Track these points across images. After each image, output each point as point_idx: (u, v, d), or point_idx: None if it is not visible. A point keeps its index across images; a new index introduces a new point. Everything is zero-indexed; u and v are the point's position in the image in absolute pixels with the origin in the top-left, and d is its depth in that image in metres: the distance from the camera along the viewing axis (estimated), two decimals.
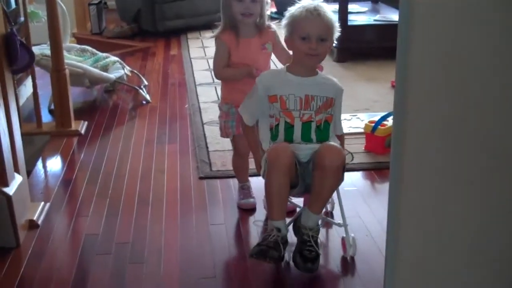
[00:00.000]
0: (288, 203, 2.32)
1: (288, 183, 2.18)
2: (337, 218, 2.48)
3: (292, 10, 2.26)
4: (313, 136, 2.28)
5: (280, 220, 2.21)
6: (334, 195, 2.36)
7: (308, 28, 2.19)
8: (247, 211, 2.71)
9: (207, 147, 3.41)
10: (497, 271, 1.47)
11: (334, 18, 2.25)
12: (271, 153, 2.19)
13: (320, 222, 2.32)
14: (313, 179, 2.21)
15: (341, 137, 2.42)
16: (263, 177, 2.29)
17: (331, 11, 2.26)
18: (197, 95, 4.38)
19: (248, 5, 2.46)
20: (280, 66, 2.55)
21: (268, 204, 2.27)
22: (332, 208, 2.64)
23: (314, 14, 2.19)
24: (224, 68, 2.55)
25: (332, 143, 2.26)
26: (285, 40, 2.32)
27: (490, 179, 1.39)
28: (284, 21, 2.28)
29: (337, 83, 2.36)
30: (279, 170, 2.14)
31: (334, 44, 2.35)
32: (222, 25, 2.56)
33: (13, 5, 4.06)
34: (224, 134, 2.68)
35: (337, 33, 2.27)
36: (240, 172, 2.80)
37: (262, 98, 2.30)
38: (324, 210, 2.52)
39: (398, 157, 1.38)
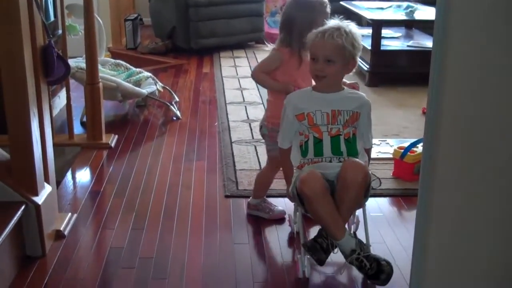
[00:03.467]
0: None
1: (332, 202, 2.24)
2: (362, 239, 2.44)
3: (311, 34, 2.34)
4: (343, 148, 2.33)
5: (344, 237, 2.25)
6: (361, 215, 2.41)
7: (314, 50, 2.30)
8: (271, 231, 2.70)
9: (234, 166, 3.42)
10: None
11: (349, 40, 2.27)
12: (305, 187, 2.23)
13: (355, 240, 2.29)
14: (336, 193, 2.26)
15: (368, 151, 2.46)
16: (288, 194, 2.43)
17: (354, 30, 2.30)
18: (227, 114, 4.41)
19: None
20: None
21: (325, 228, 2.28)
22: (356, 228, 2.62)
23: (323, 36, 2.26)
24: (263, 73, 2.63)
25: (355, 159, 2.30)
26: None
27: None
28: (307, 45, 2.37)
29: (363, 97, 2.40)
30: (319, 199, 2.22)
31: (358, 67, 2.42)
32: (284, 41, 2.59)
33: (52, 18, 4.15)
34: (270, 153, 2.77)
35: (356, 55, 2.30)
36: (263, 187, 2.86)
37: (292, 120, 2.36)
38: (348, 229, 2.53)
39: (427, 186, 1.37)
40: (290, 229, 2.70)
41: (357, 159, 2.31)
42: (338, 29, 2.28)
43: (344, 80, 2.46)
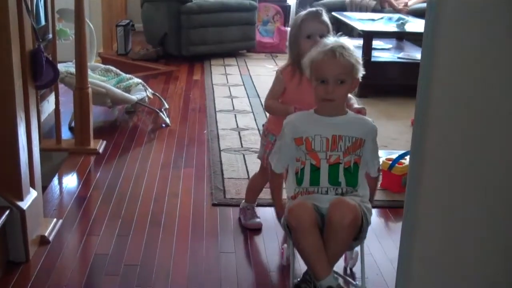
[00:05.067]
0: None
1: (319, 237, 2.05)
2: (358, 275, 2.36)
3: (311, 52, 2.17)
4: (342, 179, 2.14)
5: (327, 277, 2.06)
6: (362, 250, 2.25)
7: (324, 71, 2.10)
8: (258, 241, 2.69)
9: (222, 174, 3.41)
10: None
11: (355, 58, 2.12)
12: (291, 217, 2.07)
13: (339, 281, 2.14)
14: (324, 235, 2.07)
15: (374, 180, 2.29)
16: (283, 227, 2.21)
17: (353, 47, 2.16)
18: (216, 122, 4.40)
19: (317, 41, 2.33)
20: None
21: (308, 266, 2.13)
22: (353, 265, 2.46)
23: (331, 56, 2.08)
24: (272, 99, 2.57)
25: (344, 198, 2.09)
26: (310, 81, 2.21)
27: (508, 226, 1.37)
28: (304, 64, 2.20)
29: (369, 122, 2.22)
30: (304, 232, 2.04)
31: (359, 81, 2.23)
32: (288, 60, 2.55)
33: (43, 22, 4.13)
34: (265, 163, 2.62)
35: (360, 72, 2.14)
36: (253, 193, 2.84)
37: (289, 143, 2.19)
38: (345, 265, 2.48)
39: (413, 199, 1.36)
40: (281, 261, 2.54)
41: (347, 198, 2.09)
42: (343, 46, 2.11)
43: (352, 103, 2.37)
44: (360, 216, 2.06)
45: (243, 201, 2.89)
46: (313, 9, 2.56)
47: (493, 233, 1.36)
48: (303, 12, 2.54)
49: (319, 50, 2.13)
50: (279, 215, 2.40)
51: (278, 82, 2.56)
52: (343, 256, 2.39)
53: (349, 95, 2.34)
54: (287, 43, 2.56)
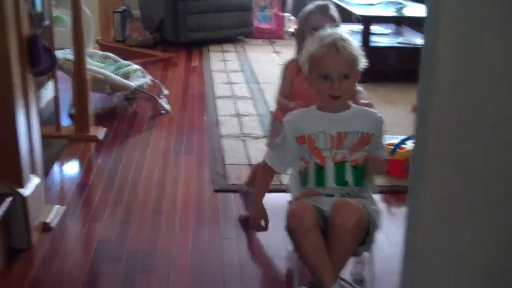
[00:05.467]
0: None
1: (320, 238, 1.92)
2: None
3: (309, 46, 2.05)
4: (349, 178, 2.03)
5: (333, 285, 1.91)
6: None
7: (328, 67, 1.98)
8: None
9: (223, 160, 3.41)
10: None
11: (356, 49, 2.01)
12: (292, 218, 1.95)
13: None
14: (327, 240, 1.94)
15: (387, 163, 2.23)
16: (287, 231, 2.02)
17: (349, 36, 2.04)
18: (215, 108, 4.39)
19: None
20: None
21: (312, 272, 1.96)
22: (361, 270, 2.28)
23: (333, 50, 1.96)
24: (284, 98, 2.53)
25: (348, 199, 1.97)
26: (306, 78, 2.10)
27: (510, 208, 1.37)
28: (302, 58, 2.08)
29: (374, 114, 2.11)
30: (305, 233, 1.91)
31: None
32: (295, 54, 2.54)
33: (39, 9, 4.10)
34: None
35: (362, 63, 2.03)
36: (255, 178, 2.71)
37: (291, 142, 2.09)
38: (352, 270, 2.27)
39: (417, 183, 1.36)
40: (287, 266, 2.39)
41: (351, 199, 1.96)
42: (343, 38, 1.99)
43: (359, 97, 2.30)
44: (366, 219, 1.94)
45: (244, 185, 2.87)
46: (321, 2, 2.54)
47: (502, 219, 1.36)
48: (311, 5, 2.53)
49: (317, 44, 2.00)
50: (252, 214, 2.31)
51: (285, 78, 2.55)
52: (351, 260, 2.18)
53: (358, 87, 2.29)
54: (294, 37, 2.57)
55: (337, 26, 2.36)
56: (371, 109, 2.16)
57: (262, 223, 2.27)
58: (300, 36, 2.52)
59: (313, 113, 2.09)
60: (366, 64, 2.04)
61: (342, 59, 1.97)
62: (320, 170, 2.04)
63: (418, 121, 1.38)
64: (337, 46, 1.96)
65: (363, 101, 2.34)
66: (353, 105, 2.11)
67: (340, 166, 2.03)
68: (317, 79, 2.01)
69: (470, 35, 1.28)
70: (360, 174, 2.05)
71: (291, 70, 2.52)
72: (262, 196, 2.28)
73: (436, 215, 1.37)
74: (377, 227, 2.04)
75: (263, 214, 2.25)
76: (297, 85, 2.49)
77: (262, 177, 2.30)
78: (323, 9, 2.51)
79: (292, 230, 1.96)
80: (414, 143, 1.42)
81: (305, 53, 2.05)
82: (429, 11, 1.32)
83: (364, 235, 1.96)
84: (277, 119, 2.59)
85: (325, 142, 2.03)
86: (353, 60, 1.99)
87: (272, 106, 2.96)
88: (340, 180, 2.04)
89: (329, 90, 1.99)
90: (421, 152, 1.36)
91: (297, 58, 2.43)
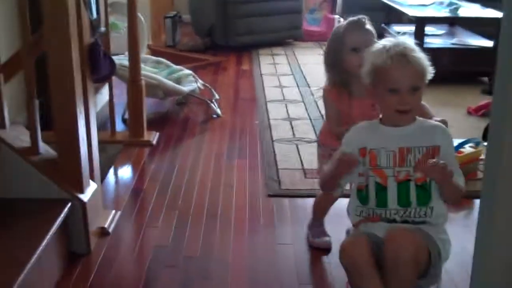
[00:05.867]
0: None
1: (374, 275, 1.79)
2: None
3: (372, 55, 1.88)
4: (413, 198, 1.85)
5: None
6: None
7: (397, 79, 1.80)
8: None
9: (276, 165, 3.39)
10: None
11: (425, 59, 1.84)
12: (344, 255, 1.84)
13: None
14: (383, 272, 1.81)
15: (462, 190, 1.87)
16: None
17: (415, 44, 1.87)
18: (267, 112, 4.38)
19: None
20: None
21: None
22: None
23: (403, 61, 1.79)
24: (339, 125, 2.24)
25: (404, 227, 1.82)
26: (368, 90, 1.93)
27: None
28: (364, 69, 1.90)
29: (439, 126, 1.91)
30: (360, 274, 1.80)
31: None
32: (329, 81, 2.31)
33: (95, 15, 4.17)
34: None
35: (430, 73, 1.86)
36: (321, 209, 2.57)
37: (353, 153, 1.90)
38: None
39: (490, 188, 1.31)
40: None
41: (408, 227, 1.82)
42: (412, 49, 1.83)
43: (428, 113, 2.08)
44: (425, 250, 1.77)
45: (311, 218, 2.62)
46: (355, 18, 2.30)
47: None
48: (344, 23, 2.31)
49: (384, 55, 1.82)
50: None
51: (331, 107, 2.32)
52: None
53: (425, 104, 2.08)
54: (324, 61, 2.32)
55: (375, 40, 2.13)
56: (437, 122, 1.94)
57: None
58: (334, 60, 2.27)
59: (375, 127, 1.92)
60: (432, 73, 1.86)
61: (413, 71, 1.80)
62: (381, 190, 1.87)
63: (492, 125, 1.33)
64: (407, 57, 1.80)
65: (436, 118, 2.07)
66: (418, 118, 1.91)
67: (403, 186, 1.85)
68: (384, 93, 1.83)
69: None
70: (426, 193, 1.85)
71: (332, 97, 2.30)
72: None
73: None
74: (443, 258, 1.86)
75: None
76: (342, 111, 2.28)
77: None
78: (360, 25, 2.26)
79: (344, 267, 1.86)
80: (487, 148, 1.37)
81: (368, 64, 1.87)
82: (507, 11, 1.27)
83: (425, 267, 1.79)
84: (323, 144, 2.43)
85: (388, 160, 1.85)
86: (423, 71, 1.83)
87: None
88: (404, 201, 1.86)
89: (398, 104, 1.82)
90: (494, 161, 1.32)
91: (332, 84, 2.29)
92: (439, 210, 1.88)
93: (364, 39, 2.17)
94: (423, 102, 2.03)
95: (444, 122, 2.01)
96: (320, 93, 2.36)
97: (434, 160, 1.79)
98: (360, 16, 2.29)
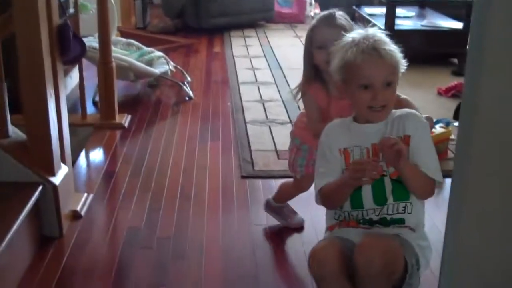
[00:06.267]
0: None
1: (345, 286, 1.69)
2: None
3: (342, 49, 1.76)
4: (389, 194, 1.75)
5: None
6: None
7: (370, 75, 1.70)
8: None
9: (249, 146, 3.40)
10: None
11: (397, 51, 1.74)
12: (313, 262, 1.71)
13: None
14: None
15: (430, 182, 1.76)
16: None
17: (385, 36, 1.76)
18: (239, 94, 4.37)
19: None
20: None
21: None
22: None
23: (374, 55, 1.69)
24: (320, 122, 2.07)
25: (377, 235, 1.72)
26: (339, 87, 1.85)
27: None
28: (333, 65, 1.79)
29: (413, 114, 1.79)
30: (327, 281, 1.69)
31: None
32: (305, 76, 2.20)
33: None
34: (292, 170, 2.40)
35: (403, 66, 1.76)
36: (289, 196, 2.55)
37: (336, 155, 1.81)
38: None
39: (462, 167, 1.33)
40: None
41: (383, 234, 1.71)
42: (384, 41, 1.72)
43: (414, 107, 1.95)
44: (401, 258, 1.65)
45: (272, 199, 2.57)
46: (326, 13, 2.17)
47: None
48: (316, 18, 2.19)
49: (354, 50, 1.71)
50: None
51: (310, 103, 2.19)
52: None
53: (407, 98, 2.02)
54: (303, 54, 2.21)
55: (345, 35, 1.89)
56: (411, 111, 1.83)
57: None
58: (305, 57, 2.18)
59: (348, 125, 1.83)
60: (405, 66, 1.76)
61: (386, 65, 1.69)
62: (356, 190, 1.75)
63: (463, 107, 1.34)
64: (378, 50, 1.69)
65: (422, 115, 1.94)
66: (391, 112, 1.79)
67: (377, 182, 1.72)
68: (355, 89, 1.73)
69: None
70: (403, 187, 1.74)
71: (317, 98, 2.17)
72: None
73: (482, 202, 1.34)
74: (422, 267, 1.75)
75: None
76: (325, 112, 2.16)
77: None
78: (329, 20, 2.12)
79: (313, 275, 1.75)
80: (458, 127, 1.38)
81: (338, 60, 1.75)
82: None
83: (400, 276, 1.66)
84: (296, 136, 2.35)
85: (361, 157, 1.76)
86: (396, 65, 1.73)
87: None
88: (380, 199, 1.76)
89: (371, 101, 1.71)
90: (466, 138, 1.33)
91: (307, 81, 2.19)
92: (418, 208, 1.79)
93: (331, 36, 1.98)
94: (406, 97, 2.02)
95: (429, 119, 1.94)
96: (299, 94, 2.23)
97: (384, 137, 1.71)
98: (332, 11, 2.16)
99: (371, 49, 1.69)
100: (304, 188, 2.44)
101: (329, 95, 2.14)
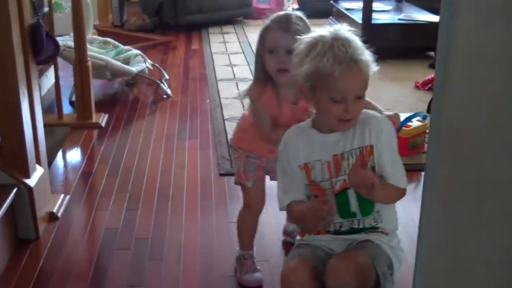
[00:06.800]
0: None
1: None
2: None
3: (313, 52, 1.59)
4: (355, 207, 1.68)
5: None
6: None
7: (344, 89, 1.58)
8: (267, 211, 2.62)
9: (228, 144, 3.38)
10: None
11: (371, 59, 1.61)
12: (283, 284, 1.65)
13: None
14: None
15: (401, 191, 1.73)
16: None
17: (354, 36, 1.62)
18: (218, 91, 4.35)
19: (282, 58, 1.87)
20: None
21: None
22: None
23: (354, 70, 1.56)
24: (273, 130, 1.94)
25: (349, 254, 1.65)
26: (303, 92, 1.67)
27: None
28: (302, 68, 1.62)
29: (377, 119, 1.68)
30: None
31: None
32: (256, 79, 2.00)
33: None
34: (243, 178, 2.13)
35: (373, 71, 1.63)
36: (246, 234, 2.25)
37: (296, 171, 1.71)
38: None
39: (434, 161, 1.34)
40: None
41: (349, 252, 1.66)
42: (358, 46, 1.59)
43: (380, 110, 1.86)
44: (372, 275, 1.61)
45: (237, 248, 2.28)
46: (281, 13, 1.97)
47: None
48: (270, 18, 1.95)
49: (330, 58, 1.55)
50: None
51: (261, 109, 1.97)
52: None
53: (369, 100, 1.82)
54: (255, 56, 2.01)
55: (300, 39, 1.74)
56: (373, 114, 1.70)
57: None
58: (256, 59, 1.98)
59: (308, 135, 1.70)
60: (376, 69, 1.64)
61: (362, 79, 1.59)
62: None
63: (435, 100, 1.35)
64: (358, 62, 1.56)
65: (387, 113, 1.87)
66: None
67: (341, 196, 1.67)
68: (326, 100, 1.61)
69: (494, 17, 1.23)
70: (367, 200, 1.66)
71: (267, 105, 1.96)
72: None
73: (453, 195, 1.34)
74: (395, 269, 1.72)
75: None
76: (271, 114, 1.97)
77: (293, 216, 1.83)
78: (283, 24, 1.90)
79: None
80: (430, 121, 1.39)
81: (311, 66, 1.59)
82: None
83: (374, 285, 1.63)
84: (238, 146, 2.16)
85: (323, 173, 1.68)
86: (369, 76, 1.61)
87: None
88: (346, 213, 1.69)
89: (342, 113, 1.60)
90: (437, 130, 1.33)
91: (258, 85, 1.97)
92: (388, 213, 1.74)
93: (284, 42, 1.85)
94: (369, 99, 1.81)
95: (395, 116, 1.88)
96: (247, 98, 2.05)
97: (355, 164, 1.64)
98: (288, 13, 1.97)
99: (350, 60, 1.56)
100: (252, 204, 2.19)
101: (279, 100, 1.95)
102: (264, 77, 1.95)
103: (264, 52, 1.92)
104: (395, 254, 1.73)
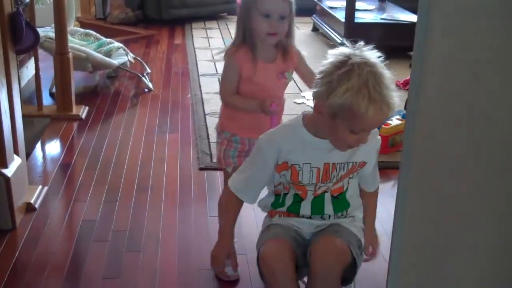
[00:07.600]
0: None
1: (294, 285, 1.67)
2: None
3: (344, 83, 1.50)
4: (328, 209, 1.74)
5: None
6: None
7: (371, 126, 1.58)
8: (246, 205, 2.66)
9: (208, 138, 3.39)
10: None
11: (397, 99, 1.56)
12: (264, 267, 1.65)
13: None
14: (307, 283, 1.71)
15: (373, 195, 1.85)
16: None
17: (379, 60, 1.58)
18: (200, 86, 4.35)
19: (275, 23, 1.93)
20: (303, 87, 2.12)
21: None
22: None
23: (384, 110, 1.51)
24: (232, 94, 2.02)
25: (330, 238, 1.67)
26: (321, 112, 1.58)
27: (502, 182, 1.36)
28: (332, 96, 1.51)
29: (373, 137, 1.67)
30: (277, 285, 1.65)
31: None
32: (235, 39, 2.03)
33: None
34: (223, 164, 2.14)
35: None
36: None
37: (269, 167, 1.69)
38: None
39: (409, 158, 1.35)
40: None
41: (334, 235, 1.68)
42: (390, 87, 1.55)
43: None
44: (349, 258, 1.66)
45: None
46: None
47: (491, 188, 1.36)
48: None
49: (366, 100, 1.49)
50: (214, 260, 1.89)
51: (232, 69, 2.00)
52: None
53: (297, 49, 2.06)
54: (237, 18, 2.05)
55: (291, 11, 1.94)
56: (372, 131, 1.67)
57: (228, 269, 2.09)
58: (244, 18, 1.99)
59: (300, 136, 1.67)
60: None
61: (385, 118, 1.57)
62: (298, 202, 1.73)
63: (410, 98, 1.36)
64: (389, 106, 1.53)
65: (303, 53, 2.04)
66: None
67: (318, 199, 1.72)
68: (343, 129, 1.55)
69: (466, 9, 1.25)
70: (340, 202, 1.74)
71: (240, 62, 1.99)
72: (230, 229, 1.81)
73: (428, 193, 1.36)
74: (360, 255, 1.75)
75: (229, 254, 1.80)
76: (245, 78, 2.00)
77: (228, 208, 1.83)
78: None
79: (261, 275, 1.69)
80: (406, 121, 1.41)
81: (340, 99, 1.50)
82: None
83: (349, 268, 1.68)
84: (224, 130, 2.14)
85: (311, 177, 1.68)
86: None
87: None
88: (317, 211, 1.74)
89: (354, 143, 1.59)
90: (412, 129, 1.35)
91: (239, 44, 2.00)
92: (355, 203, 1.79)
93: (279, 8, 1.93)
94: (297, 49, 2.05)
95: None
96: (221, 55, 2.05)
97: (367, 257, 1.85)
98: None
99: (383, 103, 1.51)
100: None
101: (255, 60, 1.98)
102: (244, 36, 1.99)
103: (256, 14, 1.94)
104: (360, 232, 1.78)
